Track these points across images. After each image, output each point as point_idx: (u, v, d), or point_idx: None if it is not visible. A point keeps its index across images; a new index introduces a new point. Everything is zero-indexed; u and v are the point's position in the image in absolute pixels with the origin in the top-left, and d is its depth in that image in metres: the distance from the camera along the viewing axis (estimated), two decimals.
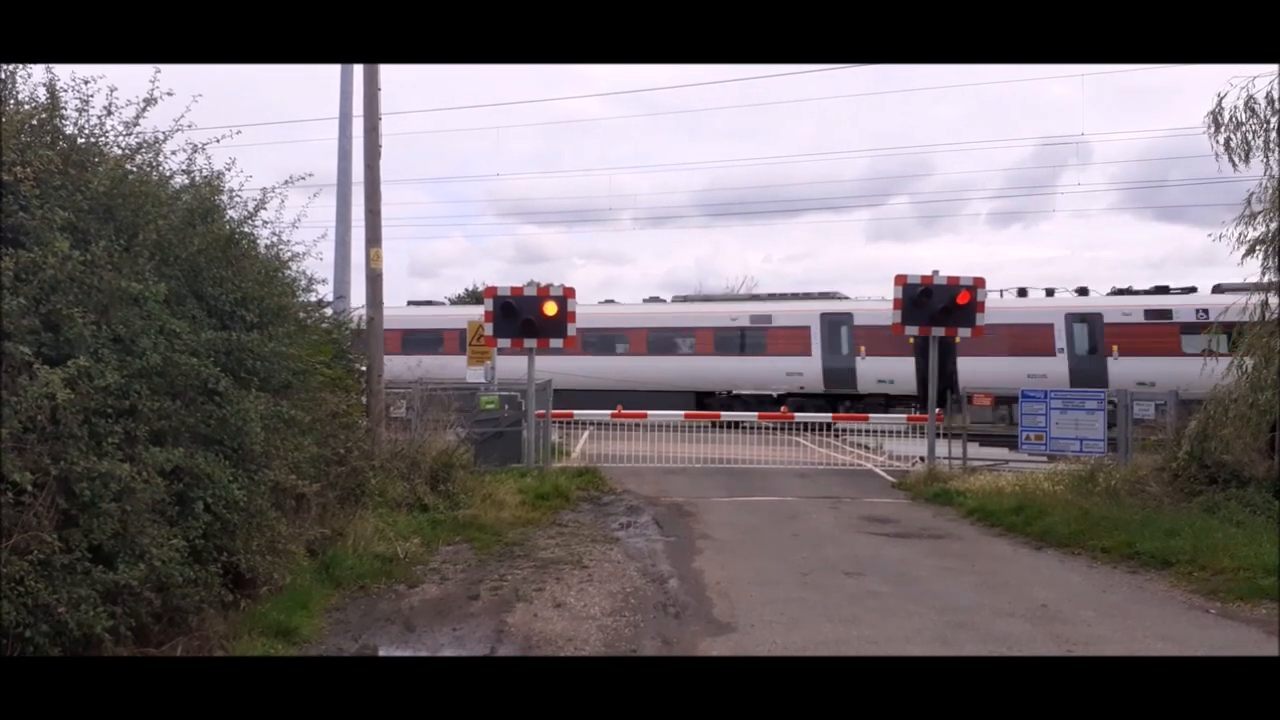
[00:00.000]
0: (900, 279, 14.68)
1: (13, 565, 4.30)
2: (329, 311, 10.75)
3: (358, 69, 12.54)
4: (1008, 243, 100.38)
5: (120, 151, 6.23)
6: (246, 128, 7.85)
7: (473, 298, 39.32)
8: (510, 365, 18.33)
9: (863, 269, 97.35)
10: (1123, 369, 21.94)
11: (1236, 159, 10.61)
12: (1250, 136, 10.51)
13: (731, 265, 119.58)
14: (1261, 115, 10.41)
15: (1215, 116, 10.71)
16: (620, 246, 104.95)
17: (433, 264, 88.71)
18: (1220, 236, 10.74)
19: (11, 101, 5.69)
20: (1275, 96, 10.35)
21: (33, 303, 4.79)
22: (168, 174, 6.88)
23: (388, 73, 12.97)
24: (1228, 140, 10.64)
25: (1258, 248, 10.43)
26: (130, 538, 4.89)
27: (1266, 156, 10.53)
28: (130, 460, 4.97)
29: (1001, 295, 23.71)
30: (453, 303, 40.35)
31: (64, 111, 5.92)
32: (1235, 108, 10.54)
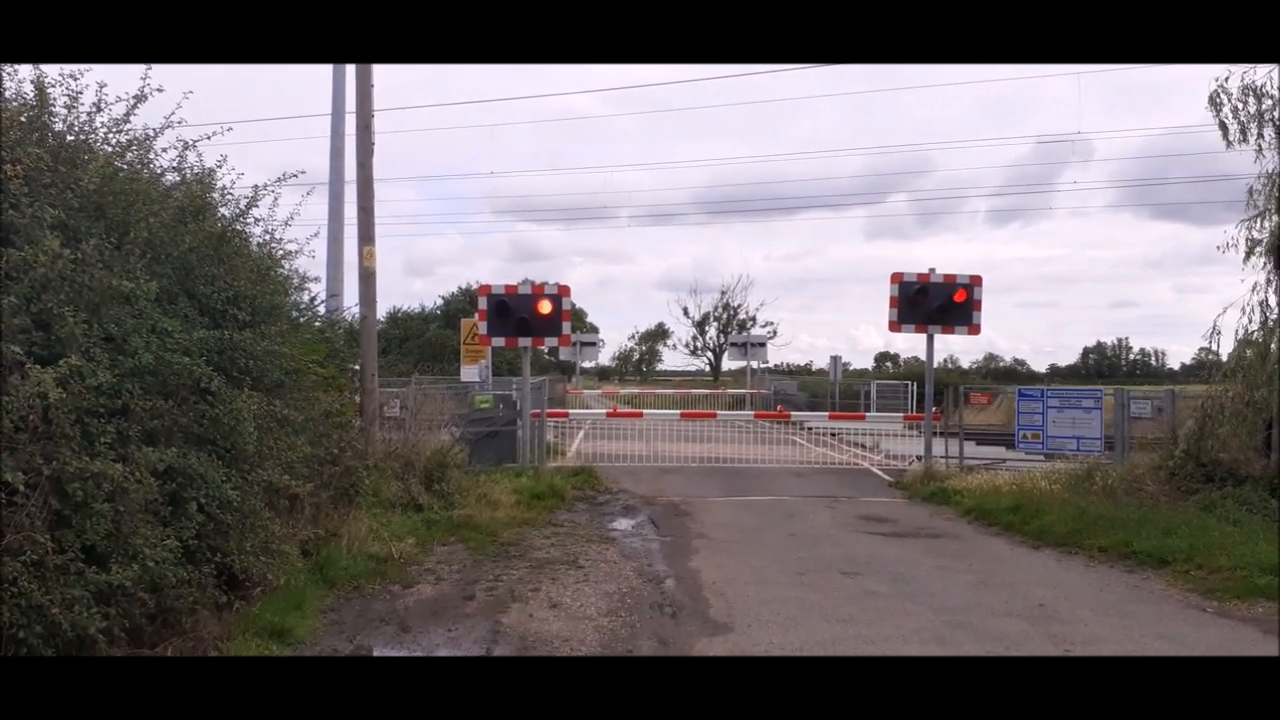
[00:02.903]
0: (896, 276, 14.68)
1: (6, 566, 4.26)
2: (322, 310, 10.70)
3: (350, 66, 12.48)
4: (1007, 241, 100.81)
5: (110, 149, 6.18)
6: (238, 124, 7.81)
7: (467, 298, 39.25)
8: None
9: (861, 267, 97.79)
10: None
11: (1234, 142, 10.61)
12: (1248, 123, 10.51)
13: (730, 263, 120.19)
14: (1260, 104, 10.41)
15: (1214, 99, 10.69)
16: (619, 245, 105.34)
17: (428, 262, 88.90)
18: (1226, 247, 10.71)
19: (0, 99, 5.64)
20: (1272, 91, 10.37)
21: (24, 301, 4.75)
22: (158, 171, 6.83)
23: (382, 69, 12.90)
24: (1224, 124, 10.64)
25: (1256, 249, 10.42)
26: (123, 538, 4.85)
27: (1261, 150, 10.53)
28: (123, 460, 4.92)
29: None
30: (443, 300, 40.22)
31: (53, 108, 5.87)
32: (1236, 90, 10.55)
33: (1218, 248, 10.78)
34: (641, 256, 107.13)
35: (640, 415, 19.83)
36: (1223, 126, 10.69)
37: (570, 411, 20.35)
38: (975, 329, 14.74)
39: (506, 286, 14.69)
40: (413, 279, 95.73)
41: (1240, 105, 10.52)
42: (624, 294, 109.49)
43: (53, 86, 5.88)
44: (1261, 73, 10.44)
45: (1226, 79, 10.63)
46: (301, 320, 9.20)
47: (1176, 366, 75.80)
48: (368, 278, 11.58)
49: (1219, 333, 10.91)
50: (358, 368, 11.16)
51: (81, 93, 6.00)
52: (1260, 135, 10.52)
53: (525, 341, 14.62)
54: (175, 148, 6.92)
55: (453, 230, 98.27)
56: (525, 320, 14.22)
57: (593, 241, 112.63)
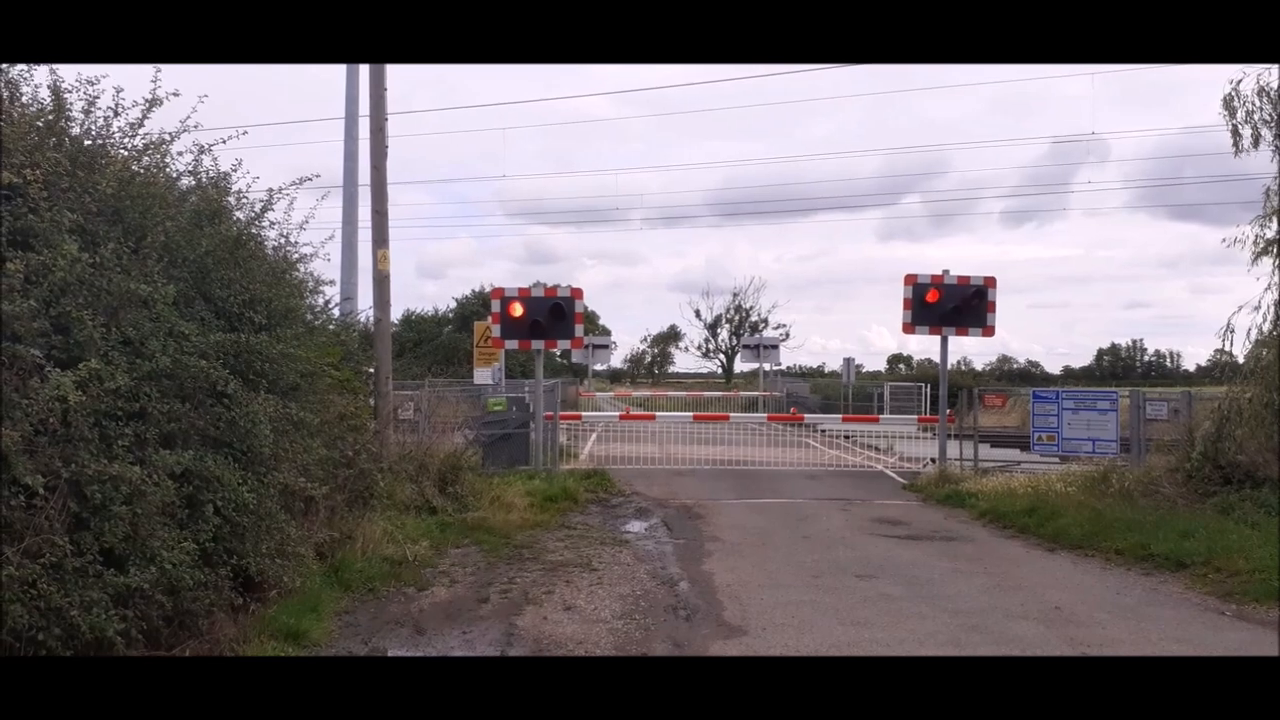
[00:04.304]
0: (910, 278, 14.62)
1: (25, 568, 4.28)
2: (336, 313, 10.73)
3: (364, 69, 12.52)
4: (1020, 242, 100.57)
5: (127, 153, 6.21)
6: (253, 128, 7.84)
7: (480, 300, 39.31)
8: None
9: (874, 268, 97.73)
10: None
11: (1247, 147, 10.56)
12: (1261, 126, 10.46)
13: (742, 265, 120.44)
14: (1276, 107, 10.35)
15: (1228, 102, 10.64)
16: (631, 246, 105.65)
17: (440, 265, 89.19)
18: (1235, 241, 10.65)
19: (18, 103, 5.68)
20: None
21: (43, 305, 4.77)
22: (174, 175, 6.86)
23: (395, 72, 12.97)
24: (1236, 129, 10.58)
25: (1271, 248, 10.35)
26: (141, 541, 4.87)
27: (1277, 151, 10.47)
28: (140, 463, 4.95)
29: None
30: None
31: (70, 113, 5.91)
32: (1250, 94, 10.50)
33: (1223, 240, 10.72)
34: (654, 258, 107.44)
35: (653, 418, 19.83)
36: (1235, 132, 10.63)
37: (583, 414, 20.36)
38: (989, 331, 14.67)
39: (520, 289, 14.71)
40: (425, 281, 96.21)
41: (1255, 107, 10.46)
42: (636, 296, 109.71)
43: (69, 92, 5.92)
44: (1277, 73, 10.38)
45: (1240, 81, 10.58)
46: (316, 323, 9.22)
47: (1192, 368, 75.34)
48: (382, 281, 11.61)
49: (1232, 330, 10.85)
50: (372, 371, 11.19)
51: (98, 97, 6.04)
52: (1277, 137, 10.45)
53: (538, 344, 14.63)
54: (191, 151, 6.94)
55: (465, 233, 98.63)
56: (538, 323, 14.23)
57: (605, 243, 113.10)
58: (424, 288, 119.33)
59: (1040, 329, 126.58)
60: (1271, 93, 10.41)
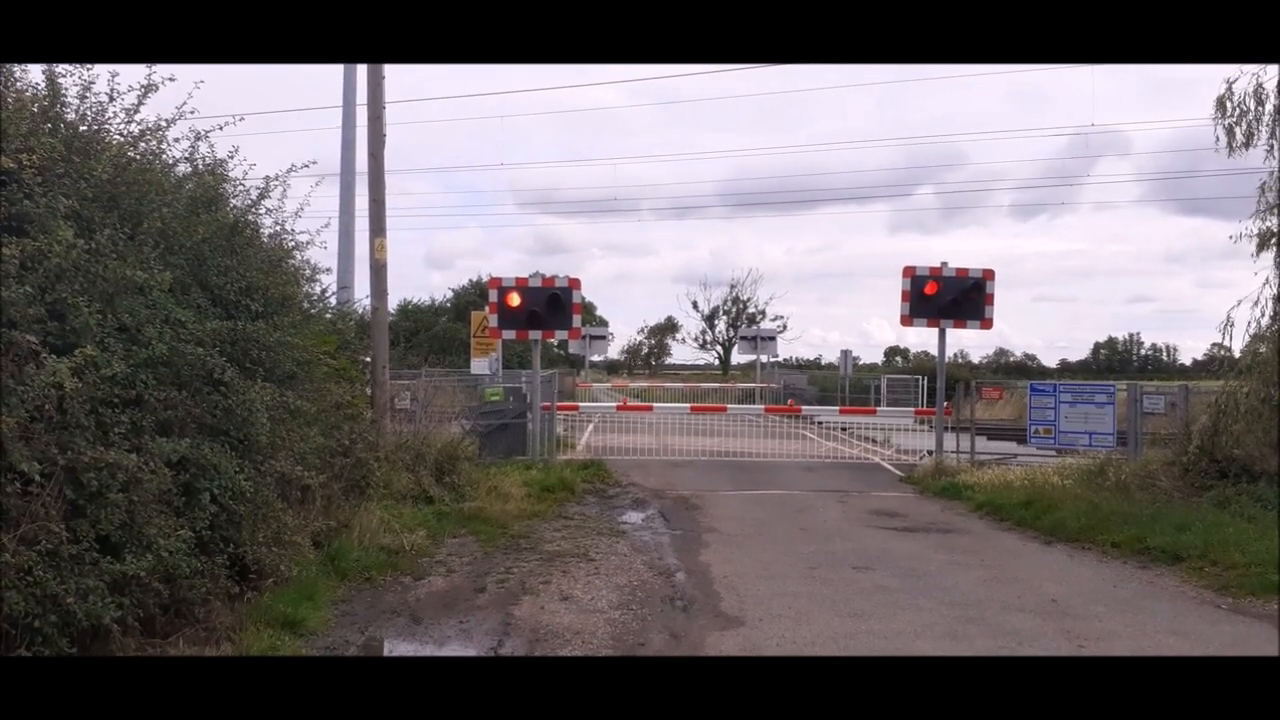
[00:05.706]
0: (908, 270, 14.61)
1: (21, 555, 4.26)
2: (333, 301, 10.70)
3: None
4: (1031, 235, 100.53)
5: (123, 139, 6.18)
6: (250, 115, 7.78)
7: (477, 290, 39.23)
8: None
9: (883, 261, 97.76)
10: None
11: (1239, 147, 10.56)
12: (1256, 124, 10.44)
13: (749, 257, 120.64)
14: (1268, 106, 10.35)
15: (1221, 103, 10.63)
16: (640, 238, 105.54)
17: (448, 255, 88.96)
18: (1241, 236, 10.64)
19: (13, 89, 5.64)
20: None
21: (38, 291, 4.75)
22: (171, 162, 6.83)
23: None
24: (1231, 129, 10.57)
25: (1270, 242, 10.35)
26: (137, 528, 4.86)
27: (1272, 149, 10.45)
28: (137, 450, 4.93)
29: None
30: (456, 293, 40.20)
31: (65, 98, 5.87)
32: (1244, 94, 10.48)
33: (1230, 236, 10.71)
34: (662, 250, 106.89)
35: (650, 409, 19.83)
36: (1229, 132, 10.60)
37: (580, 405, 20.34)
38: (987, 323, 14.66)
39: (517, 279, 14.68)
40: (433, 271, 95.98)
41: (1248, 108, 10.43)
42: (641, 287, 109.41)
43: (64, 77, 5.88)
44: (1271, 71, 10.36)
45: (1235, 81, 10.55)
46: (313, 312, 9.20)
47: (1188, 362, 75.43)
48: (379, 270, 11.58)
49: (1232, 325, 10.85)
50: (369, 359, 11.17)
51: (93, 83, 6.01)
52: (1273, 134, 10.43)
53: (535, 335, 14.61)
54: (187, 138, 6.92)
55: (474, 223, 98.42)
56: (536, 313, 14.20)
57: (615, 234, 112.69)
58: (431, 278, 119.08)
59: (1043, 322, 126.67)
60: (1266, 93, 10.39)
